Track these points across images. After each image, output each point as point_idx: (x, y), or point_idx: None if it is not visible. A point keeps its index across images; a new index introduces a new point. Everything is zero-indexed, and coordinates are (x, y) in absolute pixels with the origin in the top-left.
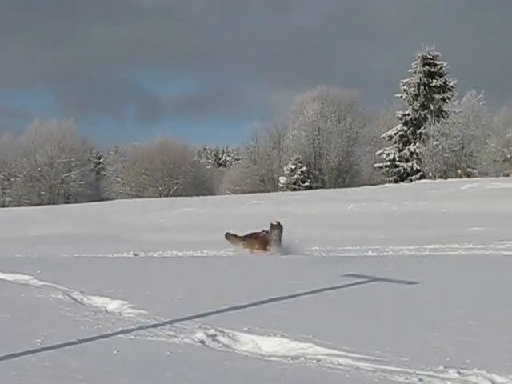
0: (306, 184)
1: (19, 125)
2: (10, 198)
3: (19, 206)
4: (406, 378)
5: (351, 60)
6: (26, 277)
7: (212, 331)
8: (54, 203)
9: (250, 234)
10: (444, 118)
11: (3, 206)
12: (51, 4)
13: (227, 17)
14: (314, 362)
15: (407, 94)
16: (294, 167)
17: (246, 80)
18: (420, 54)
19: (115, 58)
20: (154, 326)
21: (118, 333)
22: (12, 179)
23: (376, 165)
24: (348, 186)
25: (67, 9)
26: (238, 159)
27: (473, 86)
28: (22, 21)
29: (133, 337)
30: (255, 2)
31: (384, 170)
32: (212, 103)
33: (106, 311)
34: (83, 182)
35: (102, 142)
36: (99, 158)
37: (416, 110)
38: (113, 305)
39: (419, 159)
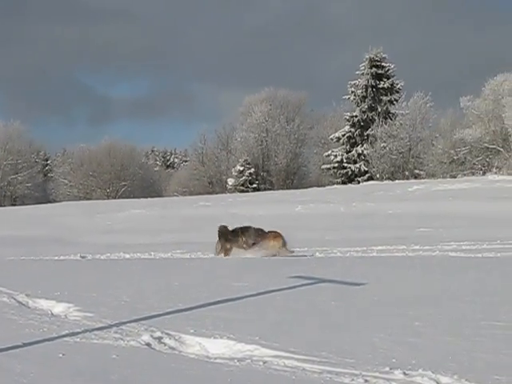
0: (254, 186)
1: None
2: None
3: None
4: (352, 380)
5: (300, 62)
6: None
7: (158, 334)
8: (0, 206)
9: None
10: (391, 119)
11: None
12: None
13: (178, 18)
14: (261, 363)
15: (355, 95)
16: (242, 169)
17: (195, 82)
18: (368, 56)
19: (64, 58)
20: (100, 328)
21: (63, 336)
22: None
23: (324, 166)
24: (296, 188)
25: (15, 8)
26: (186, 161)
27: (420, 88)
28: None
29: (78, 340)
30: (206, 4)
31: (332, 171)
32: (161, 105)
33: (52, 314)
34: (30, 184)
35: (49, 143)
36: (46, 160)
37: (364, 112)
38: (58, 308)
39: (367, 161)
